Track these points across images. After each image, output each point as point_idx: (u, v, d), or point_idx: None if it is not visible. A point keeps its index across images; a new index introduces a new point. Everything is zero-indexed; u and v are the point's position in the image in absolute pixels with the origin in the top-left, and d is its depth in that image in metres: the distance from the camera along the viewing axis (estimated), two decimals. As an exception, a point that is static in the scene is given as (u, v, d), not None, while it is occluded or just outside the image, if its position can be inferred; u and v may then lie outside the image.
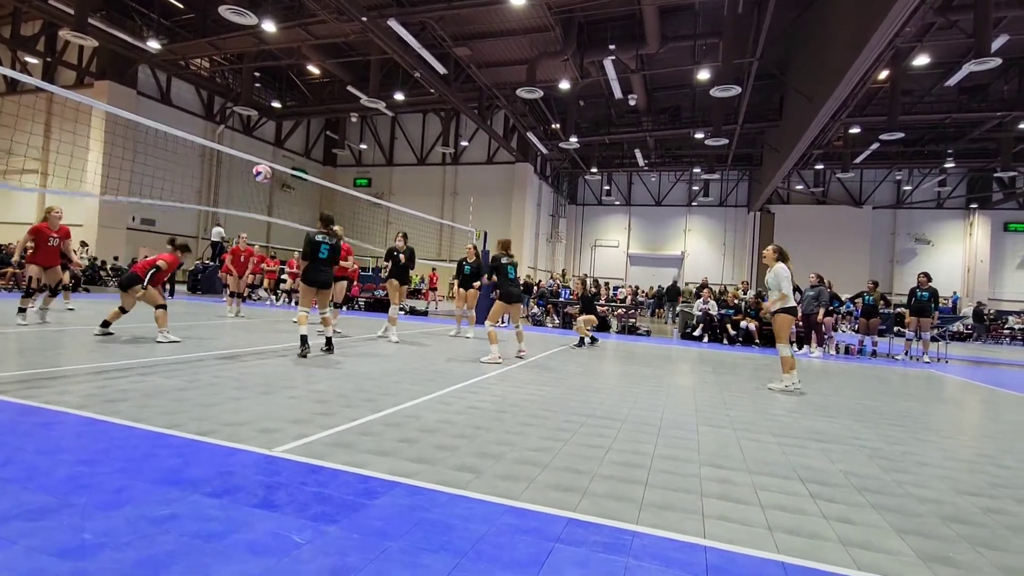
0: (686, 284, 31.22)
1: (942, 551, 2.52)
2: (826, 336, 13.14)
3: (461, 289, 11.77)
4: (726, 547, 2.41)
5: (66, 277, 9.11)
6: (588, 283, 13.88)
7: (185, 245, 8.33)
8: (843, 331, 18.42)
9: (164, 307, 7.84)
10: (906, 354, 12.82)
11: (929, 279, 12.46)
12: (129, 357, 6.19)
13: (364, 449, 3.45)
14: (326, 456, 3.27)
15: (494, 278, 8.39)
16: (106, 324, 7.82)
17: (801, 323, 13.10)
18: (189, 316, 11.80)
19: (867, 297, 13.12)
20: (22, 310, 8.50)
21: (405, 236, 10.20)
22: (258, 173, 9.44)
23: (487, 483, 3.01)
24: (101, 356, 6.16)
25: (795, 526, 2.70)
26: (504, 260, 8.46)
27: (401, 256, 9.93)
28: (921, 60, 19.24)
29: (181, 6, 22.42)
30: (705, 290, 15.98)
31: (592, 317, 11.98)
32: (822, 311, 12.51)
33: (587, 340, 11.47)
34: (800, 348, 13.04)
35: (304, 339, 7.24)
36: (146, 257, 8.38)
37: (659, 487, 3.14)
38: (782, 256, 7.51)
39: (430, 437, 3.82)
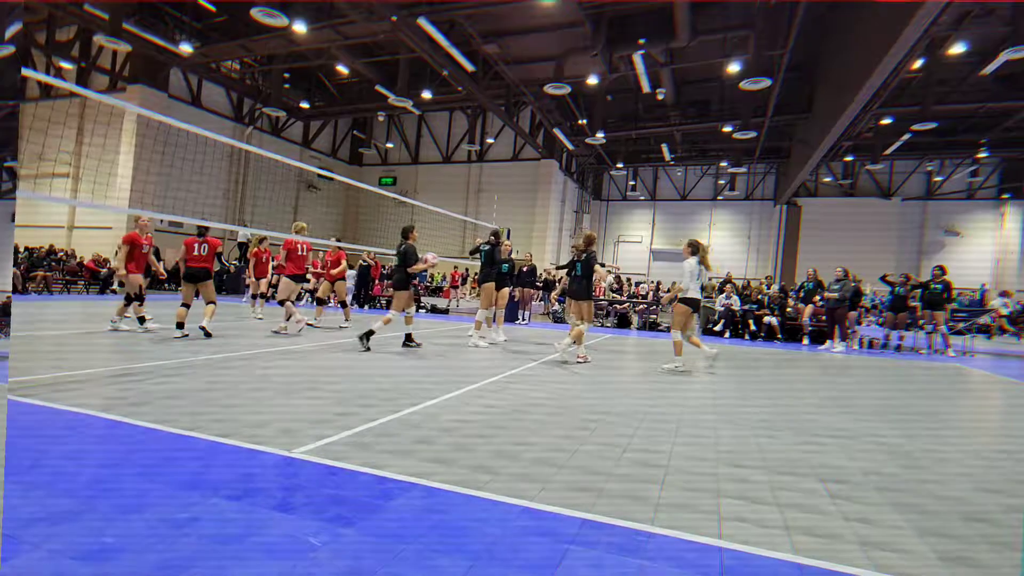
0: (710, 279, 30.86)
1: (963, 552, 2.48)
2: (850, 330, 12.89)
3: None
4: (742, 548, 2.39)
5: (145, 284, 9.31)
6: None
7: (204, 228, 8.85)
8: (868, 324, 18.03)
9: (215, 302, 8.67)
10: (930, 348, 12.51)
11: (943, 272, 12.15)
12: (154, 359, 6.33)
13: (382, 450, 3.49)
14: (344, 457, 3.31)
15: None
16: (180, 326, 8.23)
17: (825, 317, 12.88)
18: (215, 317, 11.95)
19: (898, 289, 12.74)
20: (118, 318, 8.75)
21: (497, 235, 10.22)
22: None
23: (503, 484, 3.02)
24: (126, 358, 6.31)
25: (813, 526, 2.67)
26: (572, 256, 8.58)
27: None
28: (957, 48, 18.75)
29: (213, 9, 22.69)
30: (728, 285, 15.81)
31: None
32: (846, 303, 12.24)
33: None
34: (823, 343, 12.82)
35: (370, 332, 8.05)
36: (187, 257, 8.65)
37: (675, 487, 3.12)
38: (695, 250, 7.72)
39: (447, 437, 3.84)
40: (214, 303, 8.57)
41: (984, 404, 6.83)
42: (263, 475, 2.96)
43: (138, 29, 19.31)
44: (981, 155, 28.14)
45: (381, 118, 34.65)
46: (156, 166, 14.92)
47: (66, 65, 24.64)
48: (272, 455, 3.28)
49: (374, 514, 2.54)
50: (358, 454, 3.38)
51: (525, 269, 15.63)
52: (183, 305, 8.34)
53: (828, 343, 12.62)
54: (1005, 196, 31.58)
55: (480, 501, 2.77)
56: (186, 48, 20.61)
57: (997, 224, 32.02)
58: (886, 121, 24.94)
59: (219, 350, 7.20)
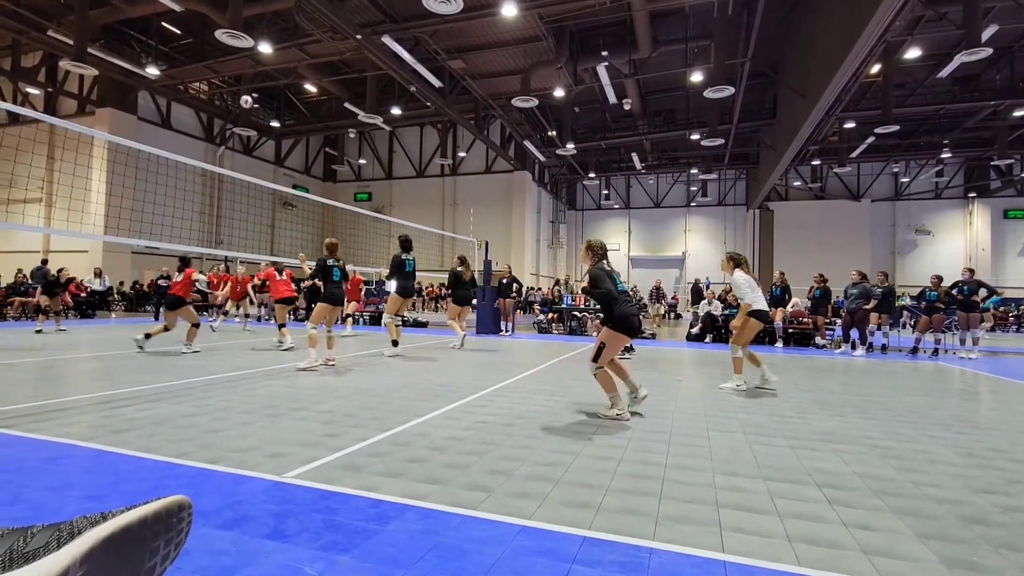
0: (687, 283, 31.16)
1: (965, 555, 2.48)
2: (880, 330, 12.87)
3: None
4: (745, 561, 2.37)
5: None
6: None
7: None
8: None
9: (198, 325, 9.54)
10: (915, 349, 12.57)
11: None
12: (137, 384, 6.18)
13: (374, 471, 3.42)
14: (336, 480, 3.24)
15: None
16: (148, 336, 9.16)
17: (844, 321, 12.90)
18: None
19: (930, 293, 12.65)
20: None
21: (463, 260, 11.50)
22: None
23: (499, 502, 2.97)
24: (109, 384, 6.14)
25: (814, 535, 2.65)
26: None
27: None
28: (912, 53, 19.28)
29: (178, 32, 22.59)
30: (708, 291, 15.98)
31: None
32: (874, 302, 12.21)
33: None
34: (839, 348, 12.87)
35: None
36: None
37: (673, 499, 3.09)
38: (738, 263, 7.21)
39: (439, 456, 3.78)
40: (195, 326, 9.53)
41: (968, 401, 6.88)
42: (253, 501, 2.87)
43: (104, 54, 19.11)
44: (944, 156, 28.87)
45: (352, 135, 34.67)
46: (130, 190, 14.65)
47: (33, 91, 24.30)
48: (261, 480, 3.20)
49: (370, 539, 2.48)
50: (350, 476, 3.31)
51: (505, 281, 15.62)
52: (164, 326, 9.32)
53: (844, 347, 12.67)
54: (971, 195, 32.46)
55: (477, 521, 2.72)
56: (153, 71, 20.46)
57: (966, 222, 32.87)
58: (849, 125, 25.48)
59: (200, 373, 7.05)
